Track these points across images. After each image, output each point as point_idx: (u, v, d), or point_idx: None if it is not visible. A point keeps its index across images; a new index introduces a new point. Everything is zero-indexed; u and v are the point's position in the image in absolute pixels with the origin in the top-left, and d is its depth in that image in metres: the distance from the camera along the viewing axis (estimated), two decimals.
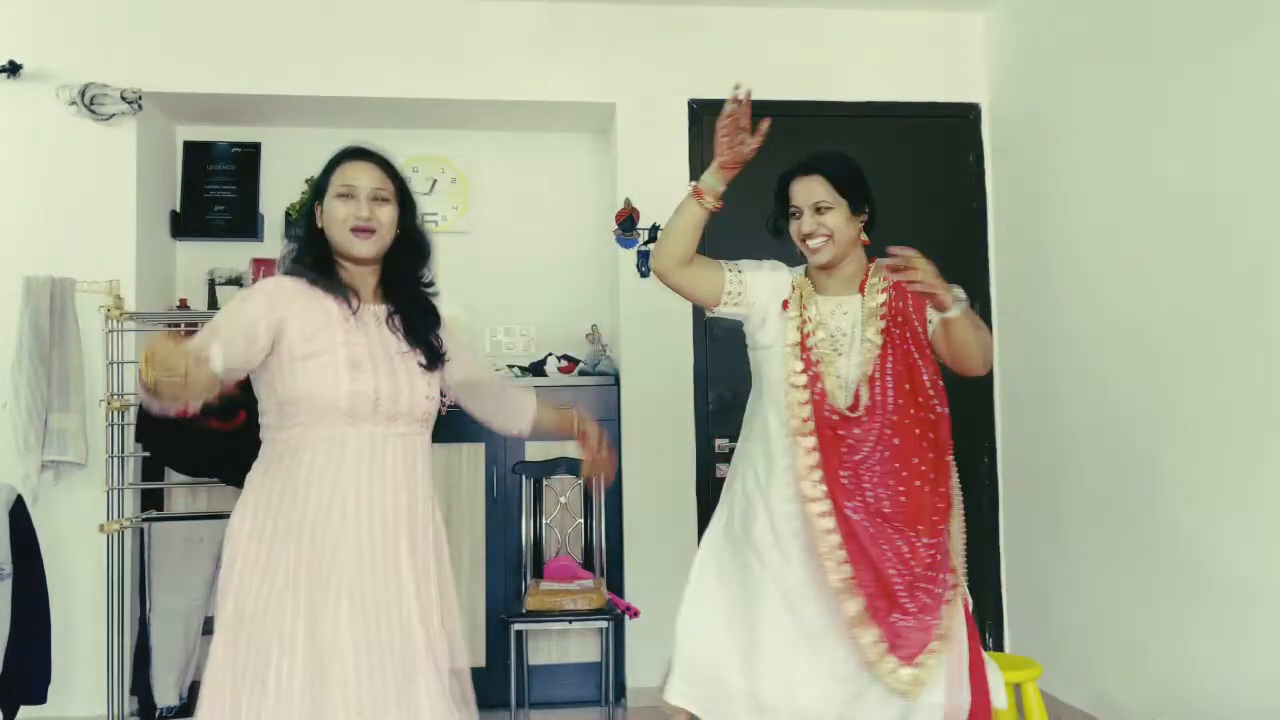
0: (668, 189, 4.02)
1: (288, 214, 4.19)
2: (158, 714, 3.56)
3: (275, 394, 1.90)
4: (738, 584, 2.29)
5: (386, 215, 1.98)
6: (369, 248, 1.96)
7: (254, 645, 1.82)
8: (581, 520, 3.91)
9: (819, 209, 2.22)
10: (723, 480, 2.47)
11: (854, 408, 2.19)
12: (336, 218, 1.95)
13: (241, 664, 1.82)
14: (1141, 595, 3.14)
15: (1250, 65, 2.69)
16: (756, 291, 2.29)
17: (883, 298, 2.26)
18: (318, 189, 2.01)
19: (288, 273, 1.98)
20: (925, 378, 2.21)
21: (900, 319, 2.24)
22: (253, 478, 1.95)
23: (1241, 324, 2.72)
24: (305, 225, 2.02)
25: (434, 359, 2.04)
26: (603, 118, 4.25)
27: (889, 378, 2.20)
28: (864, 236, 2.31)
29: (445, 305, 2.17)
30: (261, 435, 1.97)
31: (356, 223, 1.94)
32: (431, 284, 2.11)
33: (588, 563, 3.82)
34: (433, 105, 4.07)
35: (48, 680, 3.39)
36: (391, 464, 1.94)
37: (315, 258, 1.97)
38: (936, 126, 4.21)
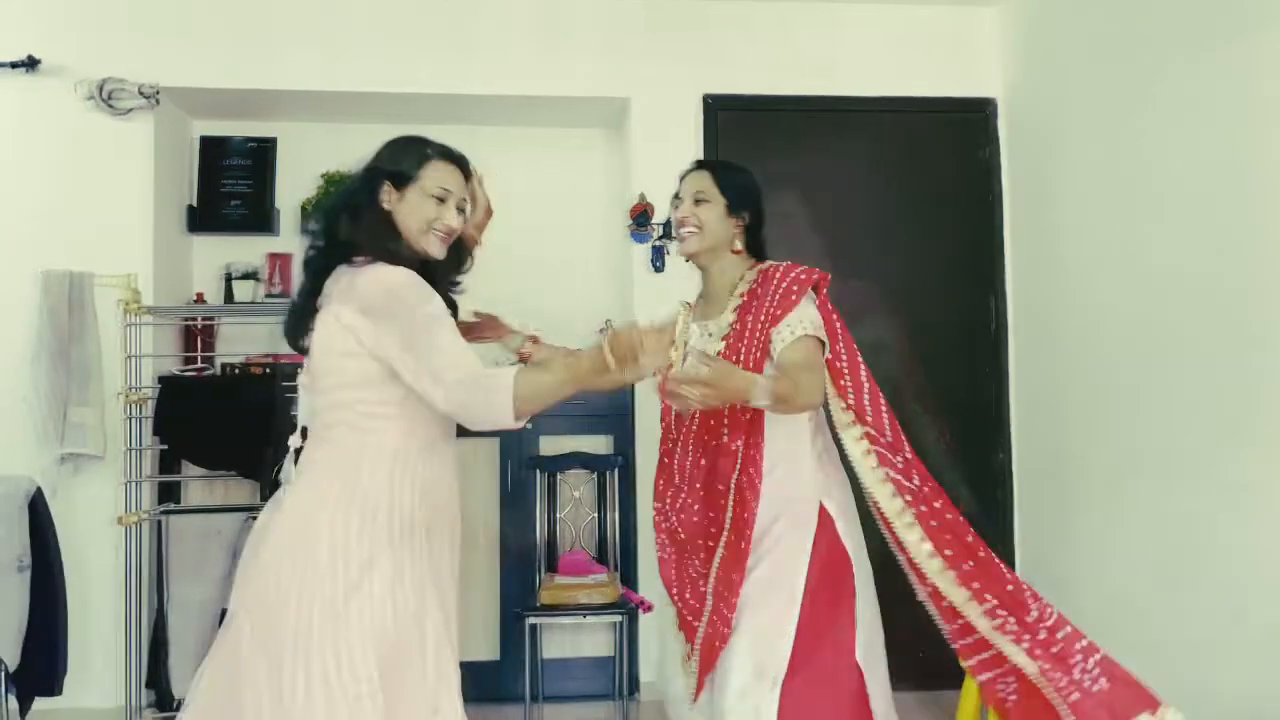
0: None
1: (303, 208, 4.20)
2: (174, 705, 3.58)
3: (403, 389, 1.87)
4: None
5: (461, 224, 2.06)
6: (445, 252, 2.03)
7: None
8: (595, 514, 3.92)
9: (697, 200, 2.33)
10: None
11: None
12: (426, 216, 1.98)
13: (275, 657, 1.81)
14: (1156, 590, 3.12)
15: (1269, 59, 2.67)
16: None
17: (731, 317, 2.26)
18: (392, 174, 1.98)
19: (383, 259, 1.93)
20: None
21: (744, 345, 2.20)
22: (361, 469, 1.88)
23: (1254, 318, 2.70)
24: (372, 203, 1.98)
25: None
26: (616, 112, 4.25)
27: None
28: (738, 245, 2.33)
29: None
30: (347, 427, 1.91)
31: (444, 229, 2.00)
32: (462, 288, 2.20)
33: (601, 557, 3.83)
34: (446, 100, 4.08)
35: (64, 671, 3.41)
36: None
37: (398, 244, 1.97)
38: (951, 121, 4.19)
